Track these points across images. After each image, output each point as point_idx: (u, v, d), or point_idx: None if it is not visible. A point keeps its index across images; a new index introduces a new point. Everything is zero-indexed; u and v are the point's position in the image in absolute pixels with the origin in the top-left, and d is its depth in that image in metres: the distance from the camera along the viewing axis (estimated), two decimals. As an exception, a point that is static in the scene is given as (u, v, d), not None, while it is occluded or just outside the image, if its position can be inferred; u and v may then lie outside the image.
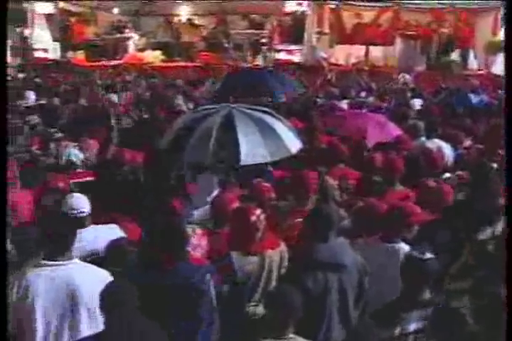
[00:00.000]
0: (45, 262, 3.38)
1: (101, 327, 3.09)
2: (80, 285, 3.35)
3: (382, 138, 7.01)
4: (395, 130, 7.36)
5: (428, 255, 3.37)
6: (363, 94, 11.86)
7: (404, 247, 3.97)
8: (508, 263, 3.25)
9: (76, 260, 3.47)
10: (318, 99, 10.40)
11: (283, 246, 4.11)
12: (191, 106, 9.74)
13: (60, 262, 3.38)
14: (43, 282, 3.32)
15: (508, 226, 3.65)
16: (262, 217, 4.05)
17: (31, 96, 10.80)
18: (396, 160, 5.71)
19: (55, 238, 3.42)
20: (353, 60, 18.22)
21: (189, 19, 21.18)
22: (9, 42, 21.56)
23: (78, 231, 4.17)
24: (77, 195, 4.42)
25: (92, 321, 3.38)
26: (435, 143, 7.03)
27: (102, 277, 3.43)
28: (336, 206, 4.86)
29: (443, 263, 3.59)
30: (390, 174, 5.55)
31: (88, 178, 5.86)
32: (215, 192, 5.03)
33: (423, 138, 7.42)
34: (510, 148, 4.13)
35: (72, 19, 19.95)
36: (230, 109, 5.35)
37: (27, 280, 3.32)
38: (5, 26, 4.29)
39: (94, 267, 3.57)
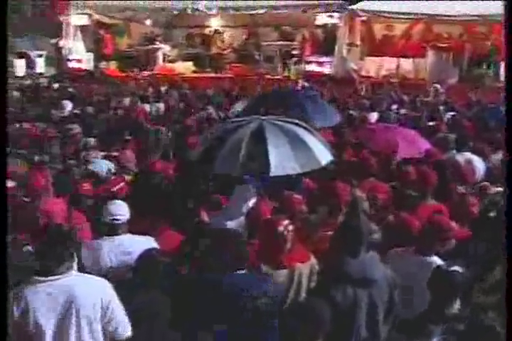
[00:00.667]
0: (40, 278, 3.32)
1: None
2: (79, 297, 3.30)
3: (412, 153, 6.97)
4: (424, 144, 7.31)
5: (456, 267, 3.34)
6: (394, 106, 11.80)
7: (437, 261, 3.94)
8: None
9: (73, 272, 3.42)
10: (351, 112, 10.36)
11: (313, 260, 4.10)
12: (222, 116, 9.78)
13: (57, 276, 3.33)
14: (41, 298, 3.27)
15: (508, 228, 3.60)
16: (291, 228, 4.05)
17: (68, 105, 10.89)
18: (429, 174, 5.68)
19: (50, 252, 3.35)
20: (383, 72, 18.15)
21: (220, 31, 21.39)
22: (44, 53, 22.12)
23: (112, 238, 4.30)
24: (118, 201, 4.50)
25: (93, 332, 3.35)
26: (466, 157, 6.97)
27: (101, 287, 3.43)
28: (367, 219, 4.84)
29: (474, 277, 3.55)
30: (423, 187, 5.52)
31: (120, 187, 5.94)
32: (251, 204, 5.04)
33: (454, 152, 7.37)
34: (511, 148, 4.08)
35: (106, 31, 20.27)
36: (260, 121, 5.37)
37: (25, 297, 3.28)
38: (5, 27, 4.31)
39: (93, 277, 3.56)
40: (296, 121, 5.66)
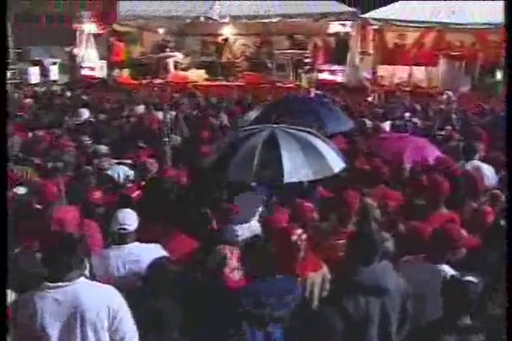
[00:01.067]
0: (49, 284, 3.34)
1: None
2: (85, 304, 3.30)
3: (418, 159, 6.95)
4: (433, 152, 7.28)
5: (469, 277, 3.32)
6: (407, 114, 11.76)
7: (447, 269, 3.92)
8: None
9: (82, 278, 3.43)
10: (363, 120, 10.34)
11: (325, 268, 4.08)
12: (235, 124, 9.78)
13: (65, 283, 3.34)
14: (48, 303, 3.29)
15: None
16: (304, 237, 4.04)
17: (85, 113, 10.92)
18: (441, 182, 5.65)
19: (58, 259, 3.37)
20: (396, 81, 18.13)
21: (233, 39, 21.48)
22: (58, 61, 22.30)
23: (120, 247, 4.31)
24: (126, 210, 4.50)
25: (99, 340, 3.35)
26: (477, 166, 6.94)
27: (109, 295, 3.43)
28: (378, 228, 4.83)
29: (488, 287, 3.52)
30: (435, 196, 5.49)
31: (135, 194, 5.97)
32: (258, 211, 5.04)
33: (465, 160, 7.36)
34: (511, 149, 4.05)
35: (119, 39, 20.41)
36: (272, 129, 5.40)
37: (33, 301, 3.30)
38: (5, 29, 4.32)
39: (102, 285, 3.56)
40: (308, 129, 5.68)
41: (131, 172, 6.30)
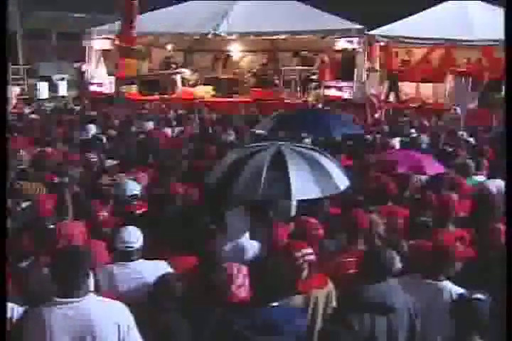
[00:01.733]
0: (59, 300, 3.34)
1: None
2: (95, 320, 3.31)
3: (411, 170, 7.03)
4: (433, 166, 7.32)
5: (478, 295, 3.29)
6: (414, 131, 11.78)
7: (450, 286, 3.90)
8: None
9: (91, 294, 3.44)
10: (368, 136, 10.37)
11: (331, 286, 4.07)
12: (243, 140, 9.81)
13: (76, 298, 3.34)
14: (58, 319, 3.29)
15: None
16: (309, 252, 4.04)
17: (92, 129, 11.00)
18: (449, 200, 5.63)
19: (67, 274, 3.38)
20: (403, 97, 18.16)
21: (241, 56, 21.61)
22: (66, 76, 22.50)
23: (125, 264, 4.32)
24: (130, 228, 4.48)
25: None
26: (494, 183, 6.93)
27: (119, 311, 3.43)
28: (385, 246, 4.81)
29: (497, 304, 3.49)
30: (443, 213, 5.47)
31: (141, 210, 5.98)
32: (245, 227, 5.04)
33: (474, 177, 7.34)
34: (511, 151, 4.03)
35: (128, 55, 20.54)
36: (278, 146, 5.42)
37: (43, 316, 3.30)
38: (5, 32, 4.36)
39: (112, 301, 3.55)
40: (313, 146, 5.71)
41: (138, 188, 6.30)
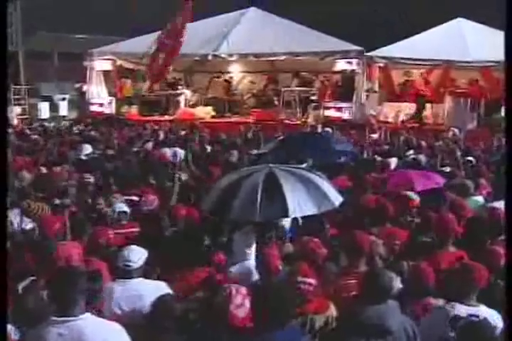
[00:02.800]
0: (55, 318, 3.36)
1: None
2: (90, 339, 3.31)
3: (429, 185, 7.05)
4: (440, 178, 7.37)
5: (485, 315, 3.27)
6: (412, 151, 11.80)
7: (457, 307, 3.89)
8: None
9: (87, 314, 3.44)
10: (365, 156, 10.41)
11: (332, 310, 4.07)
12: (245, 161, 9.82)
13: (70, 317, 3.36)
14: (53, 338, 3.30)
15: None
16: (311, 282, 4.06)
17: (88, 149, 11.06)
18: (450, 221, 5.63)
19: (64, 294, 3.40)
20: (402, 118, 18.26)
21: (241, 77, 21.76)
22: (67, 96, 22.63)
23: (125, 281, 4.34)
24: (133, 247, 4.53)
25: None
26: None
27: (113, 331, 3.43)
28: (385, 267, 4.81)
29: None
30: (443, 234, 5.47)
31: (132, 231, 6.01)
32: (252, 249, 5.09)
33: (472, 198, 7.35)
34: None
35: (128, 75, 20.72)
36: (269, 168, 5.50)
37: (39, 335, 3.33)
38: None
39: (106, 321, 3.56)
40: (303, 166, 5.76)
41: (127, 210, 6.37)
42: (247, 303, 3.81)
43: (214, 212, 5.59)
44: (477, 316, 3.66)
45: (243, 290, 3.95)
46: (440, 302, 4.14)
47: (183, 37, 17.66)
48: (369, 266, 4.78)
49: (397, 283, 4.40)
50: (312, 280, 4.08)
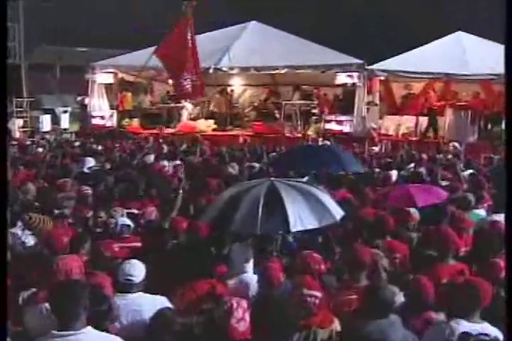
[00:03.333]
0: (56, 332, 3.37)
1: None
2: None
3: (431, 200, 7.00)
4: (442, 193, 7.32)
5: (493, 333, 3.26)
6: (413, 164, 11.81)
7: (462, 323, 3.87)
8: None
9: (89, 328, 3.44)
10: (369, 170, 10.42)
11: (336, 324, 4.06)
12: (245, 174, 9.83)
13: (72, 331, 3.36)
14: None
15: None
16: (317, 295, 4.05)
17: (90, 162, 11.07)
18: (450, 234, 5.63)
19: (65, 308, 3.40)
20: (403, 131, 18.28)
21: (242, 90, 21.82)
22: (69, 109, 22.71)
23: (125, 295, 4.33)
24: (133, 261, 4.54)
25: None
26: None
27: None
28: (387, 281, 4.80)
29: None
30: (443, 247, 5.46)
31: (135, 244, 6.00)
32: (251, 262, 5.10)
33: (474, 211, 7.35)
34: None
35: (130, 88, 20.80)
36: (270, 181, 5.52)
37: None
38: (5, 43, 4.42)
39: (108, 335, 3.56)
40: (304, 180, 5.77)
41: (130, 223, 6.38)
42: (247, 317, 3.81)
43: (215, 224, 5.59)
44: (487, 335, 3.62)
45: (244, 303, 3.95)
46: (441, 316, 4.12)
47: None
48: (372, 279, 4.76)
49: (400, 297, 4.41)
50: (318, 293, 4.07)
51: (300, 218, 5.06)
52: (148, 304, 4.24)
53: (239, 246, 5.30)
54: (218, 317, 3.86)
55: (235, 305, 3.87)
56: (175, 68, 15.84)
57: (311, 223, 5.14)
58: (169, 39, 15.88)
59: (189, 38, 15.64)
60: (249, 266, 5.03)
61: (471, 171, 10.55)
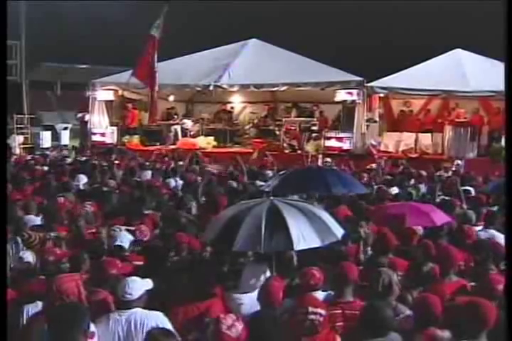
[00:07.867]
0: None
1: None
2: None
3: (423, 224, 6.94)
4: (441, 216, 7.22)
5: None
6: (413, 181, 11.82)
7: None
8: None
9: None
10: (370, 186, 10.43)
11: None
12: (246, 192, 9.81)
13: None
14: None
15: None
16: (322, 313, 4.05)
17: (83, 179, 11.10)
18: (451, 250, 5.62)
19: (64, 331, 3.42)
20: (402, 147, 18.32)
21: (242, 107, 21.88)
22: (69, 126, 22.78)
23: (122, 312, 4.38)
24: (132, 278, 4.58)
25: None
26: (493, 234, 6.93)
27: None
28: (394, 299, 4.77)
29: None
30: (445, 264, 5.44)
31: (137, 263, 5.97)
32: (262, 280, 5.09)
33: (477, 228, 7.34)
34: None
35: (130, 105, 20.85)
36: (271, 201, 5.57)
37: None
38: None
39: None
40: (303, 200, 5.82)
41: (129, 239, 6.38)
42: (240, 325, 3.79)
43: (216, 243, 5.63)
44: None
45: (240, 320, 3.93)
46: (446, 333, 4.08)
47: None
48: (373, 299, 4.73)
49: (406, 310, 4.39)
50: (323, 311, 4.05)
51: (303, 236, 5.10)
52: (146, 320, 4.29)
53: (253, 264, 5.29)
54: (211, 335, 3.84)
55: (229, 322, 3.85)
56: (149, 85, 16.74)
57: (313, 241, 5.18)
58: (142, 61, 16.90)
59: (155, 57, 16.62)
60: (259, 284, 5.01)
61: (469, 188, 10.55)
